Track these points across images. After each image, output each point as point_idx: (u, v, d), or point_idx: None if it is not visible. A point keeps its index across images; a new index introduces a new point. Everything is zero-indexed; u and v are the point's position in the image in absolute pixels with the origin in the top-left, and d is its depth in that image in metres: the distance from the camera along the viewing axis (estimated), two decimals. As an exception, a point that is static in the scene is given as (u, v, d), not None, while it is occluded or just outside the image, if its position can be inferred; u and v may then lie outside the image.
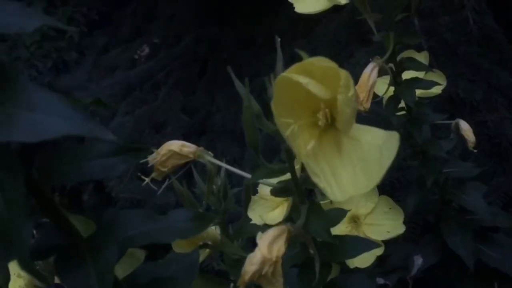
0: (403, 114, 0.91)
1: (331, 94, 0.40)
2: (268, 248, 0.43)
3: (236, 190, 0.76)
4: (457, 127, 0.96)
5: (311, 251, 0.51)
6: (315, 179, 0.41)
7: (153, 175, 0.59)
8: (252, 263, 0.43)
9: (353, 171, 0.42)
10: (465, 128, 0.95)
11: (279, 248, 0.44)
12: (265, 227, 0.76)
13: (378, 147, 0.41)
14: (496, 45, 1.62)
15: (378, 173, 0.40)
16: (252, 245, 0.77)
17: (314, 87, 0.40)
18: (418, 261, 1.01)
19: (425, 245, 1.06)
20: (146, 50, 2.63)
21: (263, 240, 0.44)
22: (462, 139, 0.95)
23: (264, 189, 0.85)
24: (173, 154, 0.58)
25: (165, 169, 0.58)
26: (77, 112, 0.27)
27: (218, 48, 2.37)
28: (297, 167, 0.54)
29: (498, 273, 1.00)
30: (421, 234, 1.22)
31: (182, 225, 0.37)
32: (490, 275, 1.01)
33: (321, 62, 0.40)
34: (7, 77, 0.29)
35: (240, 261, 0.74)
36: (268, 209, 0.84)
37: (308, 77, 0.40)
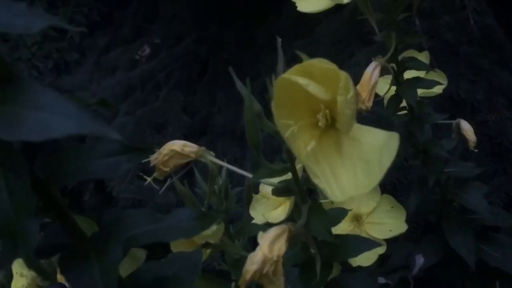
0: (404, 114, 0.91)
1: (331, 95, 0.41)
2: (269, 247, 0.44)
3: (237, 190, 0.77)
4: (458, 127, 0.96)
5: (312, 251, 0.51)
6: (315, 180, 0.41)
7: (155, 174, 0.59)
8: (253, 262, 0.43)
9: (354, 171, 0.42)
10: (466, 128, 0.95)
11: (280, 247, 0.44)
12: (267, 226, 0.76)
13: (378, 147, 0.41)
14: (497, 45, 1.62)
15: (378, 173, 0.40)
16: (253, 244, 0.77)
17: (314, 88, 0.40)
18: (420, 260, 1.01)
19: (427, 244, 1.06)
20: (147, 50, 2.64)
21: (264, 239, 0.44)
22: (463, 139, 0.96)
23: (266, 188, 0.85)
24: (175, 153, 0.58)
25: (167, 169, 0.58)
26: (82, 111, 0.28)
27: (219, 49, 2.37)
28: (298, 166, 0.54)
29: (499, 272, 1.00)
30: (422, 233, 1.22)
31: (185, 224, 0.37)
32: (491, 275, 1.01)
33: (321, 64, 0.40)
34: (12, 77, 0.30)
35: (242, 261, 0.74)
36: (270, 208, 0.84)
37: (308, 78, 0.40)
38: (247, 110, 0.48)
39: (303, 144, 0.42)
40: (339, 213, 0.58)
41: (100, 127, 0.27)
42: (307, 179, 0.52)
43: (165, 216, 0.38)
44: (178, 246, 0.63)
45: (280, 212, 0.85)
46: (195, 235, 0.37)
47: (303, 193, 0.52)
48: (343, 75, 0.39)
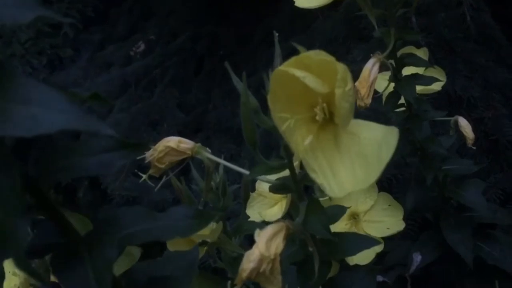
0: (402, 111, 0.90)
1: (329, 88, 0.40)
2: (266, 245, 0.43)
3: (233, 188, 0.76)
4: (456, 123, 0.96)
5: (310, 249, 0.50)
6: (313, 175, 0.40)
7: (150, 171, 0.58)
8: (249, 260, 0.42)
9: (352, 166, 0.41)
10: (464, 124, 0.95)
11: (278, 245, 0.43)
12: (264, 224, 0.75)
13: (377, 142, 0.40)
14: (493, 42, 1.62)
15: (377, 168, 0.40)
16: (250, 242, 0.76)
17: (311, 81, 0.39)
18: (417, 258, 1.01)
19: (424, 242, 1.05)
20: (142, 46, 2.62)
21: (261, 237, 0.43)
22: (460, 136, 0.95)
23: (262, 186, 0.85)
24: (171, 150, 0.57)
25: (162, 166, 0.57)
26: (75, 106, 0.27)
27: (215, 45, 2.36)
28: (296, 163, 0.53)
29: (497, 270, 0.99)
30: (419, 231, 1.22)
31: (182, 223, 0.36)
32: (489, 273, 1.00)
33: (319, 56, 0.39)
34: (2, 71, 0.28)
35: (239, 259, 0.73)
36: (267, 206, 0.84)
37: (305, 71, 0.39)
38: (244, 106, 0.47)
39: (301, 139, 0.41)
40: (338, 211, 0.57)
41: (92, 122, 0.26)
42: (304, 176, 0.51)
43: (161, 214, 0.37)
44: (174, 245, 0.62)
45: (276, 210, 0.84)
46: (192, 234, 0.36)
47: (301, 190, 0.51)
48: (341, 67, 0.38)
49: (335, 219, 0.56)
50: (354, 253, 0.54)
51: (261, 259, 0.42)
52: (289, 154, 0.50)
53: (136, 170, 0.64)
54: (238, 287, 0.42)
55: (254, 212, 0.83)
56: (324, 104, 0.41)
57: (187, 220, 0.37)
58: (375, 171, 0.39)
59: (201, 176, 0.70)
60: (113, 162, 0.31)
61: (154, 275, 0.37)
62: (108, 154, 0.31)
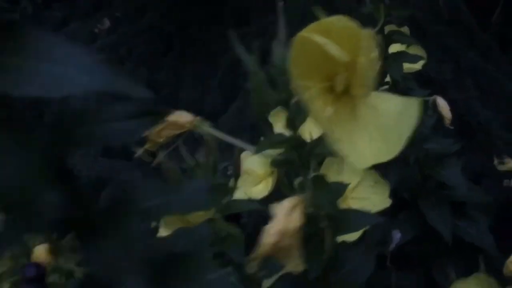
0: (387, 89, 0.90)
1: (351, 56, 0.38)
2: (286, 218, 0.41)
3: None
4: (434, 103, 0.97)
5: (322, 225, 0.49)
6: (337, 146, 0.39)
7: (147, 146, 0.55)
8: (270, 234, 0.40)
9: (370, 140, 0.40)
10: (442, 104, 0.96)
11: (297, 218, 0.42)
12: (254, 202, 0.74)
13: (396, 114, 0.39)
14: (464, 26, 1.64)
15: (398, 142, 0.39)
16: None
17: (333, 48, 0.37)
18: (397, 235, 1.01)
19: (402, 221, 1.06)
20: (107, 24, 2.53)
21: (280, 210, 0.42)
22: (438, 115, 0.96)
23: (247, 163, 0.83)
24: (170, 123, 0.55)
25: (160, 140, 0.55)
26: (101, 64, 0.24)
27: (185, 24, 2.30)
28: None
29: (474, 248, 1.01)
30: (395, 210, 1.23)
31: (199, 197, 0.34)
32: (465, 251, 1.02)
33: (341, 22, 0.38)
34: (15, 25, 0.26)
35: (228, 239, 0.72)
36: (251, 184, 0.83)
37: (326, 37, 0.38)
38: (254, 77, 0.45)
39: (318, 110, 0.39)
40: (340, 187, 0.56)
41: (125, 83, 0.24)
42: (311, 149, 0.49)
43: (175, 188, 0.35)
44: (170, 225, 0.59)
45: (262, 188, 0.83)
46: (210, 207, 0.34)
47: (307, 164, 0.50)
48: (366, 33, 0.37)
49: (338, 195, 0.55)
50: (357, 229, 0.53)
51: (283, 233, 0.40)
52: (294, 128, 0.48)
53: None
54: (256, 262, 0.40)
55: (239, 190, 0.82)
56: (346, 74, 0.39)
57: (204, 193, 0.35)
58: (396, 145, 0.38)
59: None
60: (137, 129, 0.29)
61: (169, 251, 0.35)
62: (132, 121, 0.29)
